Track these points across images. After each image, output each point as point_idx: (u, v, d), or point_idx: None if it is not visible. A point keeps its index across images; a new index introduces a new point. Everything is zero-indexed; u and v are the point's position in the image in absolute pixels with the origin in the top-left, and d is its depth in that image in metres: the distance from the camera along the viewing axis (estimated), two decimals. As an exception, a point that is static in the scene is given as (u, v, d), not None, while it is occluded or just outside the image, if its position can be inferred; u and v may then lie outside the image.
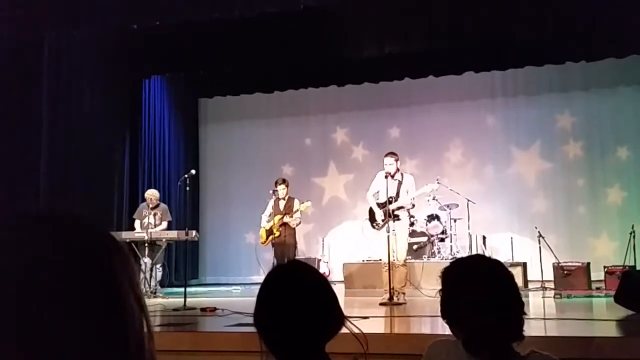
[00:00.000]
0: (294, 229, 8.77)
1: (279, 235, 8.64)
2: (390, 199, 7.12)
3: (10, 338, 0.58)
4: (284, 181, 8.92)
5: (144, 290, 8.66)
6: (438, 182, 7.88)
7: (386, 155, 7.31)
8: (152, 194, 9.33)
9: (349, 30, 9.50)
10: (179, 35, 9.64)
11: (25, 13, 8.37)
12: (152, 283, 8.89)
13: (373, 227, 7.41)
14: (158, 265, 9.03)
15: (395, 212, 7.15)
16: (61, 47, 9.36)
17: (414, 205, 7.55)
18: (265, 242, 8.81)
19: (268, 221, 8.79)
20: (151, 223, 9.10)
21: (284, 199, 8.82)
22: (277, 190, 9.06)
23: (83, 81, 9.69)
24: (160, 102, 11.73)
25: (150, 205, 9.20)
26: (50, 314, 0.59)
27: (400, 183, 7.23)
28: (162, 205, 9.36)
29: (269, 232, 8.73)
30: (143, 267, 8.79)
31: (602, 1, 8.25)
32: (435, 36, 9.40)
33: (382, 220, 7.17)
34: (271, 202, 8.91)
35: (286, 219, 8.63)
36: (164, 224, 9.17)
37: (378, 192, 7.40)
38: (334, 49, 10.00)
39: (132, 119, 10.95)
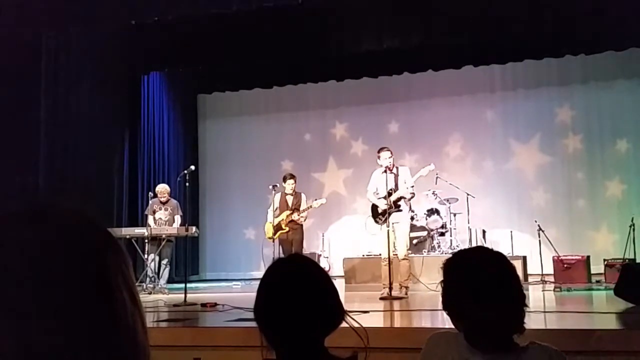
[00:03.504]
0: (302, 224, 8.71)
1: (287, 231, 8.61)
2: (391, 191, 7.16)
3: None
4: (292, 177, 8.88)
5: (146, 286, 8.66)
6: (437, 175, 7.90)
7: (382, 150, 7.34)
8: (162, 188, 9.30)
9: (348, 24, 9.49)
10: (177, 31, 9.63)
11: (23, 11, 8.35)
12: (157, 279, 8.87)
13: (376, 221, 7.40)
14: (164, 261, 9.00)
15: (397, 202, 7.20)
16: (59, 44, 9.34)
17: (413, 195, 7.56)
18: (272, 237, 8.72)
19: (276, 216, 8.69)
20: (161, 218, 9.07)
21: (291, 194, 8.78)
22: (276, 186, 9.04)
23: (82, 78, 9.67)
24: (159, 99, 11.71)
25: (162, 200, 9.18)
26: (41, 307, 0.59)
27: (397, 176, 7.28)
28: (173, 200, 9.34)
29: (277, 227, 8.65)
30: (147, 263, 8.79)
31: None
32: (434, 30, 9.39)
33: (385, 213, 7.16)
34: (277, 197, 8.80)
35: (294, 216, 8.60)
36: (177, 219, 9.11)
37: (377, 189, 7.42)
38: (333, 43, 9.99)
39: (131, 115, 10.94)
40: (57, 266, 0.61)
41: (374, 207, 7.43)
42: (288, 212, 8.64)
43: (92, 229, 0.67)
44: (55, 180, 9.06)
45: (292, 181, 8.78)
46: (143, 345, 0.66)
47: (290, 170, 11.55)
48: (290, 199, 8.74)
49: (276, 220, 8.67)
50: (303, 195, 8.81)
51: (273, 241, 8.69)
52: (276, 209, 8.74)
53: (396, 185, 7.24)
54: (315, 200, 8.77)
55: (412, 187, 7.39)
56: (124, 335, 0.64)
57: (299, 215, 8.60)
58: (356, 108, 12.13)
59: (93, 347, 0.61)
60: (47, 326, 0.59)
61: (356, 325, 1.54)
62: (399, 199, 7.22)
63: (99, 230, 0.68)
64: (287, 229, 8.60)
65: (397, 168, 7.38)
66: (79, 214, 0.67)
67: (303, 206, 8.67)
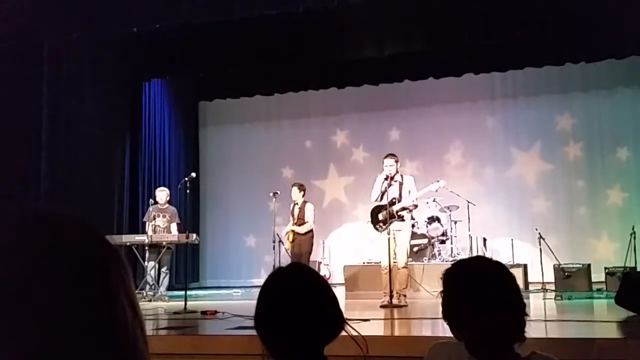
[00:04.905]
0: (308, 234, 8.69)
1: (294, 241, 8.67)
2: (394, 200, 7.12)
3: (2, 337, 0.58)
4: (296, 185, 8.91)
5: (146, 294, 8.64)
6: (438, 181, 7.87)
7: (386, 157, 7.31)
8: (162, 192, 9.26)
9: (349, 32, 9.51)
10: (178, 38, 9.65)
11: (26, 17, 8.38)
12: (157, 287, 8.85)
13: (376, 228, 7.38)
14: (164, 269, 8.98)
15: (400, 213, 7.16)
16: (61, 50, 9.36)
17: (416, 206, 7.54)
18: (288, 247, 8.80)
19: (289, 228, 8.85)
20: (159, 225, 9.05)
21: (297, 203, 8.81)
22: (277, 193, 9.07)
23: (83, 84, 9.69)
24: (160, 105, 11.73)
25: (161, 206, 9.14)
26: (41, 314, 0.59)
27: (401, 184, 7.24)
28: (171, 207, 9.32)
29: (288, 237, 8.77)
30: (147, 270, 8.77)
31: (602, 2, 8.26)
32: (435, 38, 9.41)
33: (386, 221, 7.13)
34: (291, 207, 8.94)
35: (295, 227, 8.65)
36: (174, 227, 9.10)
37: (381, 194, 7.38)
38: (334, 51, 10.02)
39: (132, 122, 10.96)
40: (58, 273, 0.61)
41: (374, 214, 7.39)
42: (292, 223, 8.74)
43: (93, 237, 0.67)
44: (56, 186, 9.06)
45: (294, 189, 8.80)
46: (143, 353, 0.66)
47: (291, 177, 11.59)
48: (296, 210, 8.76)
49: (286, 230, 8.80)
50: (309, 205, 8.80)
51: (287, 252, 8.75)
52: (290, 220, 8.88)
53: (400, 194, 7.21)
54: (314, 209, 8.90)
55: (417, 198, 7.36)
56: (124, 343, 0.64)
57: (299, 226, 8.64)
58: (357, 115, 12.15)
59: (93, 355, 0.61)
60: (47, 333, 0.59)
61: (355, 334, 1.53)
62: (402, 209, 7.19)
63: (99, 238, 0.68)
64: (293, 239, 8.66)
65: (402, 177, 7.34)
66: (79, 222, 0.67)
67: (307, 216, 8.67)
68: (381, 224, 7.24)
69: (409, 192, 7.24)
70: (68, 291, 0.61)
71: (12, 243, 0.63)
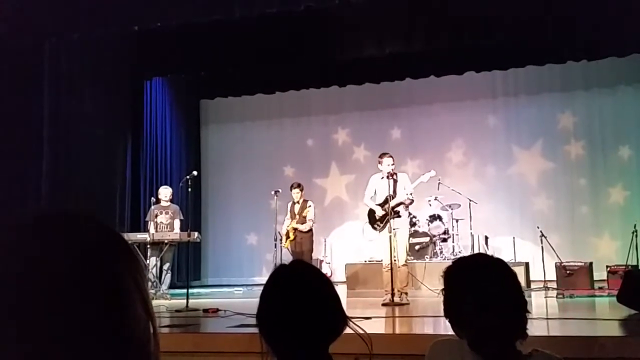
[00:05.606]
0: (309, 232, 8.78)
1: (294, 239, 8.74)
2: (389, 197, 7.15)
3: (10, 338, 0.58)
4: (298, 185, 8.99)
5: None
6: (439, 181, 7.89)
7: (385, 157, 7.33)
8: (165, 190, 9.30)
9: (350, 30, 9.51)
10: (180, 36, 9.66)
11: (26, 16, 8.38)
12: (159, 284, 8.87)
13: (374, 228, 7.41)
14: (166, 267, 9.01)
15: (395, 209, 7.18)
16: (62, 49, 9.36)
17: (412, 201, 7.54)
18: (286, 244, 8.87)
19: (289, 225, 8.89)
20: (162, 222, 9.07)
21: (298, 202, 8.89)
22: (279, 191, 9.11)
23: (83, 84, 9.69)
24: (161, 104, 11.74)
25: (164, 204, 9.17)
26: (51, 314, 0.59)
27: (396, 182, 7.27)
28: (173, 205, 9.35)
29: (287, 236, 8.84)
30: (149, 268, 8.79)
31: (602, 0, 8.25)
32: (436, 36, 9.41)
33: (383, 219, 7.16)
34: (289, 205, 9.00)
35: (298, 225, 8.74)
36: (177, 223, 9.12)
37: (375, 193, 7.42)
38: (335, 49, 10.02)
39: (133, 120, 10.96)
40: (65, 271, 0.61)
41: (371, 213, 7.43)
42: (294, 221, 8.80)
43: (104, 233, 0.66)
44: (58, 186, 9.06)
45: (296, 190, 8.90)
46: (155, 355, 0.66)
47: (292, 175, 11.60)
48: (296, 208, 8.84)
49: (286, 229, 8.87)
50: (309, 203, 8.90)
51: (289, 250, 8.82)
52: (288, 218, 8.94)
53: (394, 191, 7.23)
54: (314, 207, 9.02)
55: (411, 193, 7.38)
56: (134, 345, 0.63)
57: (300, 224, 8.71)
58: (358, 114, 12.15)
59: (100, 356, 0.60)
60: (50, 333, 0.58)
61: (360, 331, 1.53)
62: (398, 204, 7.21)
63: (111, 234, 0.67)
64: (293, 237, 8.74)
65: (396, 174, 7.38)
66: (91, 218, 0.67)
67: (309, 215, 8.75)
68: (378, 223, 7.28)
69: (404, 188, 7.28)
70: (74, 289, 0.60)
71: (22, 240, 0.62)
